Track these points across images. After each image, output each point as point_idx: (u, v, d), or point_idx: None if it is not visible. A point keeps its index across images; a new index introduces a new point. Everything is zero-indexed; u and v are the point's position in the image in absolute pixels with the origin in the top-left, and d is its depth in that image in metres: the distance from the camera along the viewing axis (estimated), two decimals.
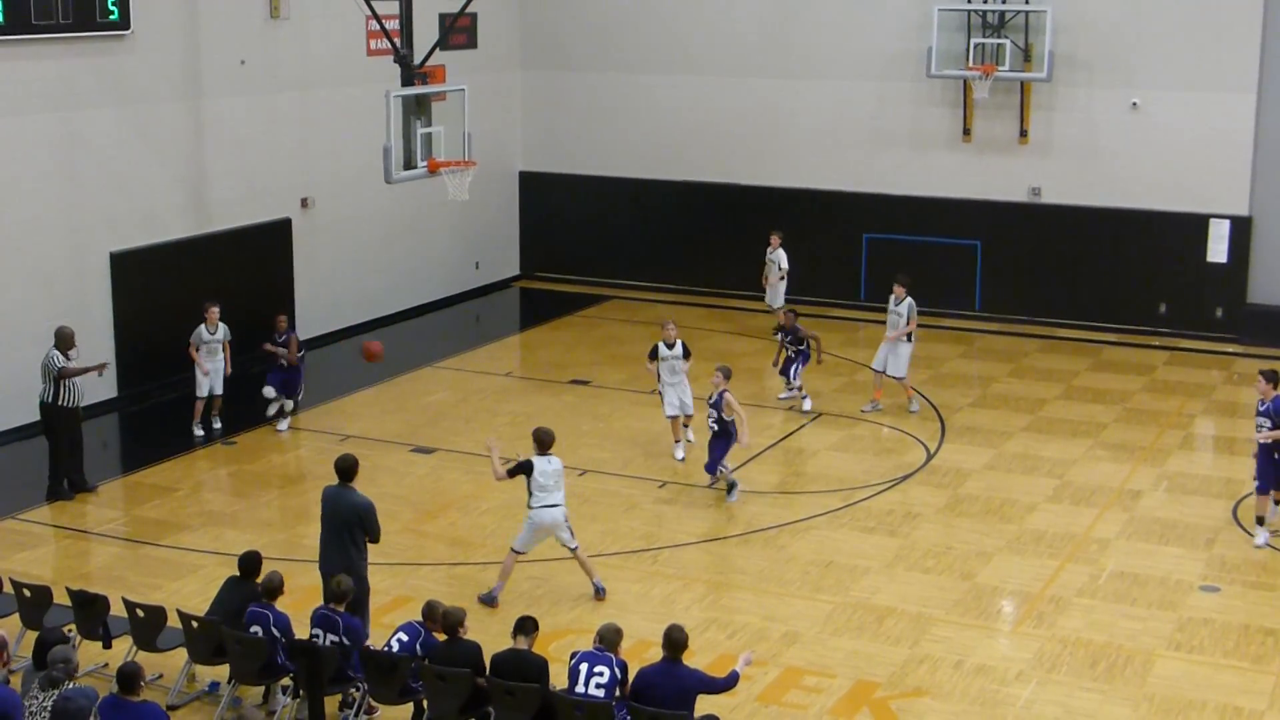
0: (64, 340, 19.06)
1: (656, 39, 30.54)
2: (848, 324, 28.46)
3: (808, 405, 22.79)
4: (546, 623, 13.64)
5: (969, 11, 27.56)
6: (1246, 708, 13.82)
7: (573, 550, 16.03)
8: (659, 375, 20.70)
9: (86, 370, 19.17)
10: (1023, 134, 28.10)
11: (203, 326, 21.56)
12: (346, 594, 13.14)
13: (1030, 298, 28.39)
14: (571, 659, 12.28)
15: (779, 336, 23.39)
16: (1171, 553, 17.47)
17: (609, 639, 12.25)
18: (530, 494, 15.70)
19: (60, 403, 18.94)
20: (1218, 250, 27.07)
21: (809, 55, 29.37)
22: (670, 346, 20.63)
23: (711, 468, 19.00)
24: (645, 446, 21.21)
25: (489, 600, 15.72)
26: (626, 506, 18.90)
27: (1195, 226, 27.10)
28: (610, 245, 31.52)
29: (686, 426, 20.91)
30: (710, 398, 18.93)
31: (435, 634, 12.95)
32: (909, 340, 22.63)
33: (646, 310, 29.56)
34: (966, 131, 28.47)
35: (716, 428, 18.84)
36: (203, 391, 21.66)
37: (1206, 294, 27.27)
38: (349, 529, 14.11)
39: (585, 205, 31.64)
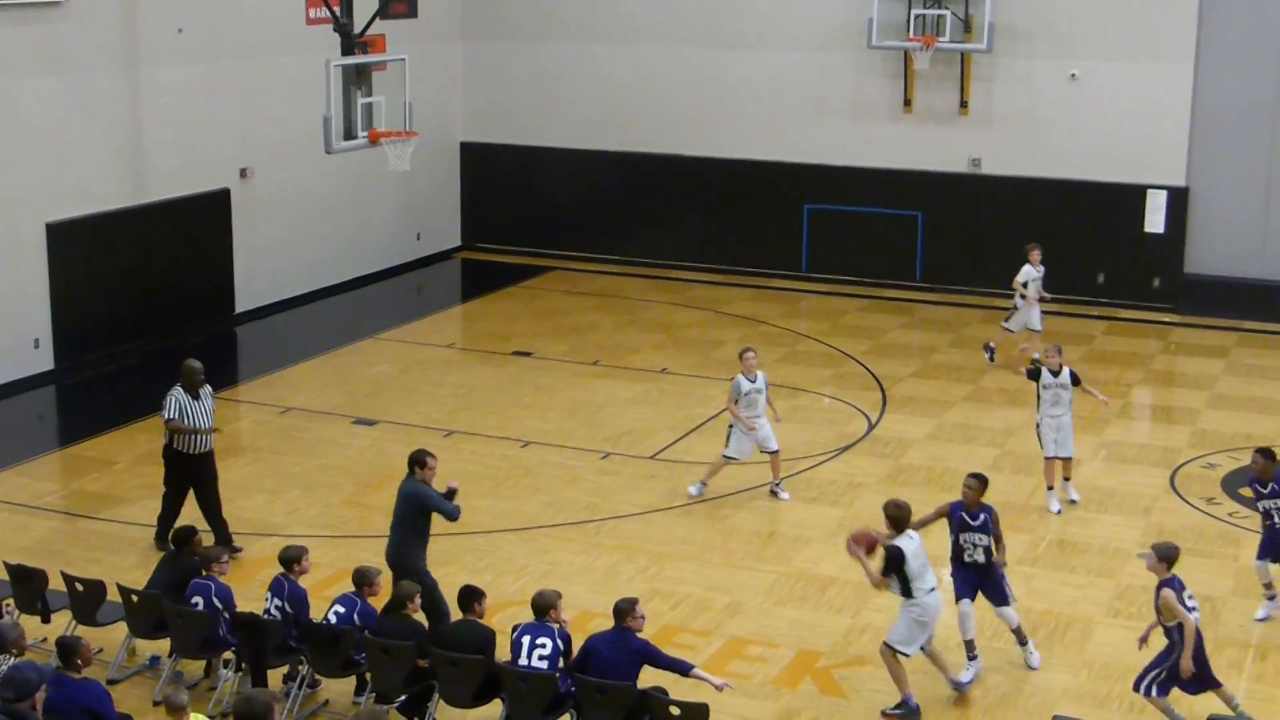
0: (190, 377, 16.37)
1: (599, 8, 30.42)
2: (789, 295, 28.56)
3: None
4: (489, 594, 13.60)
5: None
6: None
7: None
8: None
9: (195, 431, 16.26)
10: (963, 105, 28.20)
11: (741, 376, 17.87)
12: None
13: (971, 268, 28.54)
14: (514, 631, 12.28)
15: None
16: (1110, 520, 17.63)
17: (539, 605, 12.25)
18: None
19: (176, 446, 16.39)
20: (1155, 221, 27.29)
21: (751, 25, 29.34)
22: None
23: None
24: (587, 418, 21.20)
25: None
26: (569, 478, 18.89)
27: (1133, 197, 27.30)
28: (552, 216, 31.44)
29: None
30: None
31: (370, 600, 12.97)
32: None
33: (589, 281, 29.53)
34: (907, 102, 28.55)
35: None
36: (743, 454, 18.03)
37: (1144, 264, 27.49)
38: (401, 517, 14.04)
39: (527, 176, 31.52)
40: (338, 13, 21.01)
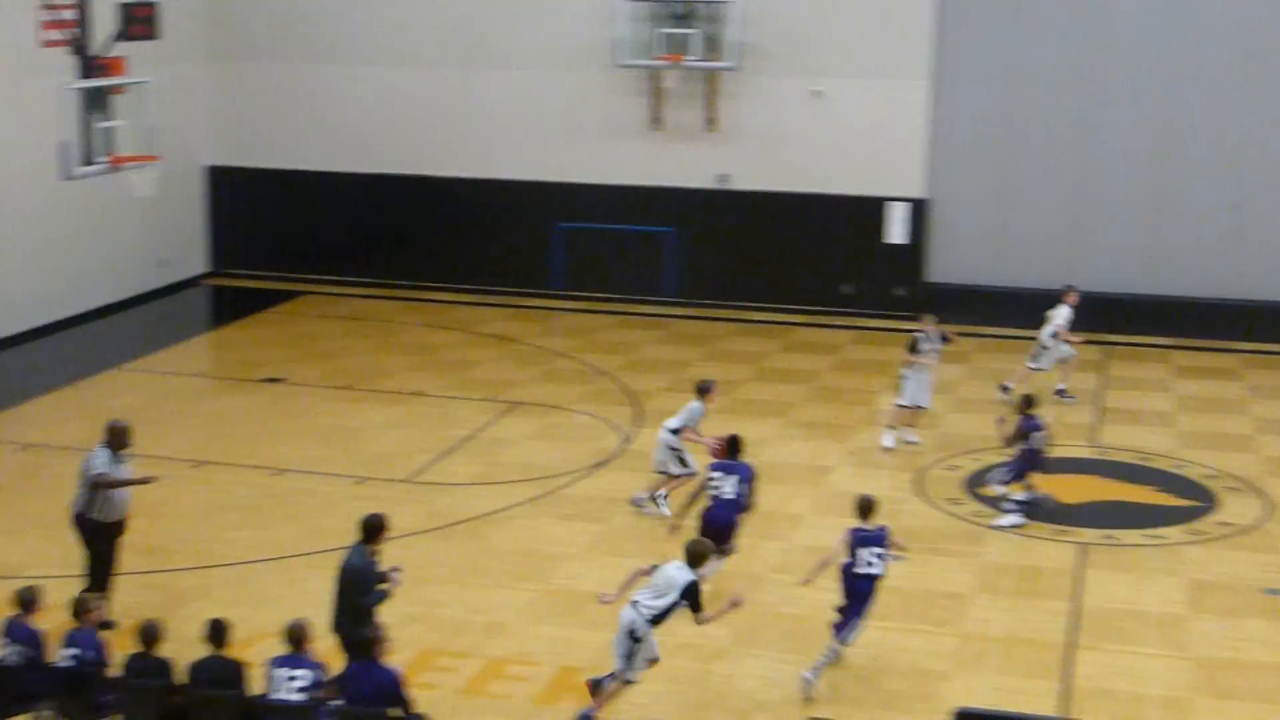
0: (116, 436, 15.23)
1: (347, 29, 30.11)
2: (543, 313, 28.65)
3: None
4: (242, 627, 13.33)
5: (656, 1, 27.93)
6: (934, 669, 14.42)
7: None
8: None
9: (132, 483, 15.16)
10: (711, 122, 28.65)
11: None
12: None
13: (722, 282, 29.01)
14: (268, 664, 12.04)
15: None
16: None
17: (295, 636, 12.04)
18: None
19: (94, 514, 15.06)
20: (897, 232, 28.15)
21: (499, 45, 29.39)
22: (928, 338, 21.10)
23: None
24: (342, 443, 20.94)
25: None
26: (325, 505, 18.62)
27: (875, 209, 28.11)
28: (304, 239, 30.99)
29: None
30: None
31: (92, 629, 12.57)
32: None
33: (342, 305, 29.21)
34: (656, 120, 28.89)
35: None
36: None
37: (887, 274, 28.31)
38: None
39: (277, 199, 31.03)
40: (75, 35, 20.42)
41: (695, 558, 13.32)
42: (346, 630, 13.00)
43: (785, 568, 16.74)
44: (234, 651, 12.35)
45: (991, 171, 27.96)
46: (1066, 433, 20.96)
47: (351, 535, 17.39)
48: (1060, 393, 23.20)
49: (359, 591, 13.05)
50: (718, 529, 15.29)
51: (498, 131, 29.68)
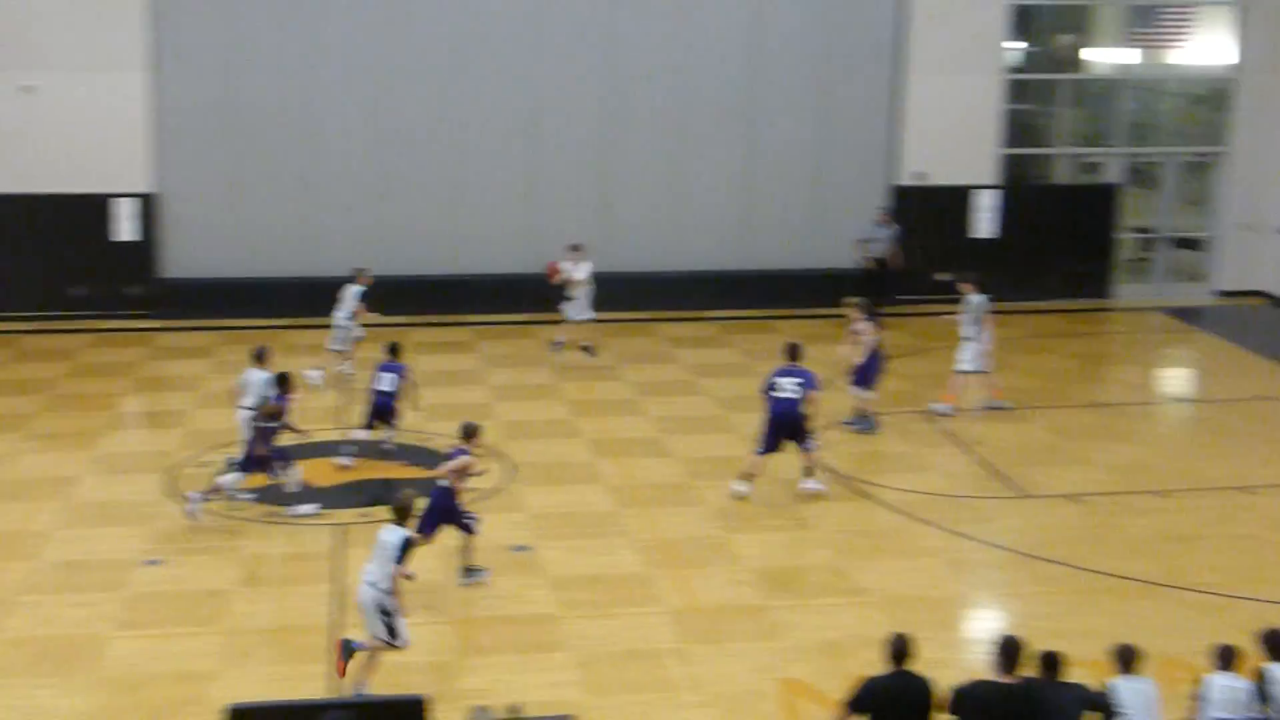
0: None
1: None
2: None
3: None
4: None
5: None
6: (200, 669, 14.15)
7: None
8: None
9: None
10: None
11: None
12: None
13: None
14: None
15: None
16: (112, 533, 17.46)
17: None
18: None
19: None
20: (125, 229, 27.33)
21: None
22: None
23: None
24: None
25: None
26: None
27: (100, 206, 27.15)
28: None
29: None
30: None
31: None
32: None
33: None
34: None
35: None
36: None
37: (118, 273, 27.43)
38: None
39: None
40: None
41: (401, 512, 13.76)
42: None
43: (36, 588, 15.93)
44: None
45: (221, 162, 27.71)
46: (315, 417, 21.15)
47: None
48: (342, 372, 23.67)
49: None
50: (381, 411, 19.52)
51: None
